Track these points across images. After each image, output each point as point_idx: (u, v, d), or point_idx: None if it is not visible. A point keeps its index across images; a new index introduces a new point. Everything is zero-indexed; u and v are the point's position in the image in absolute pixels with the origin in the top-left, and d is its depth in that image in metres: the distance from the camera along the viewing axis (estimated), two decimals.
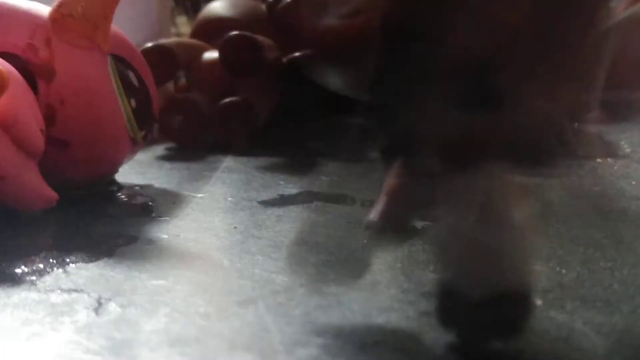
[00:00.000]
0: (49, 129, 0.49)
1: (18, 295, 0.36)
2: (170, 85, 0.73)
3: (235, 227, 0.46)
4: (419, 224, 0.45)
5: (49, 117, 0.49)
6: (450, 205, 0.35)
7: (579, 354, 0.30)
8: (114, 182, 0.56)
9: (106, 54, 0.52)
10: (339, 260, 0.40)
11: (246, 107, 0.68)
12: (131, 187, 0.56)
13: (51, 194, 0.47)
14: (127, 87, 0.53)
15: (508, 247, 0.33)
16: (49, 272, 0.39)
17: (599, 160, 0.62)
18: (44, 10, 0.51)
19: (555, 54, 0.38)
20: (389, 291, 0.36)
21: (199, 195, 0.53)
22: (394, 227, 0.43)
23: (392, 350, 0.30)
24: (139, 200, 0.53)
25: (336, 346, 0.31)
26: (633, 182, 0.55)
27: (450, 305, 0.32)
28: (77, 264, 0.40)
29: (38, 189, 0.47)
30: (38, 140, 0.47)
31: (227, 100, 0.67)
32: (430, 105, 0.35)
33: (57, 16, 0.50)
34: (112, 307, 0.35)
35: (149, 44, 0.69)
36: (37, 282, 0.38)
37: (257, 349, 0.31)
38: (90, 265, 0.40)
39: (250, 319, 0.34)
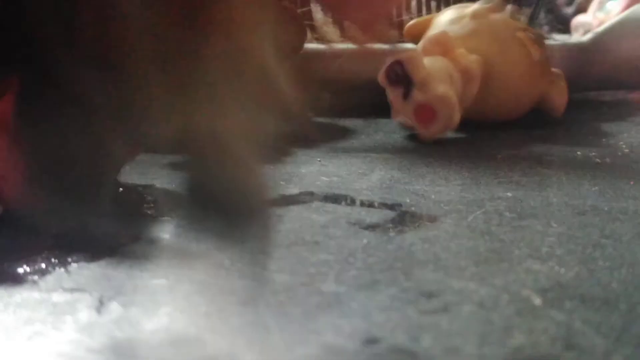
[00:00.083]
0: None
1: (20, 294, 0.36)
2: None
3: (235, 227, 0.46)
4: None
5: None
6: None
7: (578, 353, 0.30)
8: (115, 183, 0.56)
9: None
10: (339, 260, 0.40)
11: None
12: (132, 187, 0.56)
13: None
14: None
15: None
16: (50, 272, 0.39)
17: (598, 160, 0.63)
18: None
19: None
20: (389, 291, 0.36)
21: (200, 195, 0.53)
22: None
23: (392, 350, 0.31)
24: (140, 200, 0.53)
25: (336, 346, 0.31)
26: (631, 182, 0.56)
27: None
28: (79, 264, 0.40)
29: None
30: None
31: None
32: None
33: None
34: (114, 307, 0.35)
35: None
36: (39, 281, 0.38)
37: (258, 348, 0.31)
38: (92, 264, 0.40)
39: (251, 318, 0.34)
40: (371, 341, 0.31)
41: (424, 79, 0.67)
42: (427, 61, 0.68)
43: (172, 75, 0.42)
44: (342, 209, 0.50)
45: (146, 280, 0.38)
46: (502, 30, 0.74)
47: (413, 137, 0.69)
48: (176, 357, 0.30)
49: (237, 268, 0.40)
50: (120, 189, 0.55)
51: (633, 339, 0.31)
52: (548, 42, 0.83)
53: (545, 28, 1.15)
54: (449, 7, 0.81)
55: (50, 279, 0.38)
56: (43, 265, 0.40)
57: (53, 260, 0.41)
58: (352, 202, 0.51)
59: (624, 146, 0.68)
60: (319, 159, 0.64)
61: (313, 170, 0.60)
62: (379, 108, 0.71)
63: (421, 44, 0.72)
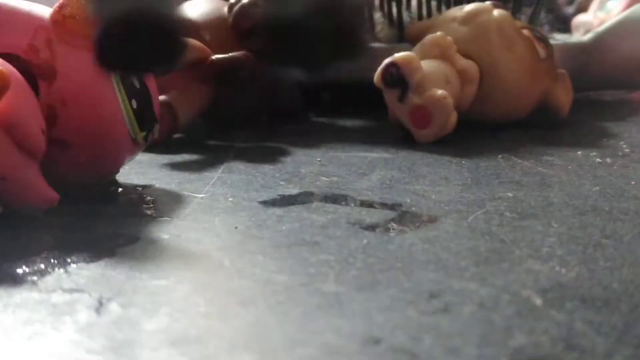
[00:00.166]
0: (50, 129, 0.49)
1: (19, 295, 0.36)
2: None
3: (236, 227, 0.46)
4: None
5: (50, 117, 0.49)
6: None
7: (579, 354, 0.30)
8: (115, 183, 0.56)
9: None
10: (339, 260, 0.40)
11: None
12: (132, 187, 0.56)
13: (52, 195, 0.48)
14: (128, 88, 0.53)
15: None
16: (50, 272, 0.39)
17: (598, 160, 0.63)
18: (45, 11, 0.51)
19: None
20: (389, 291, 0.36)
21: (200, 195, 0.53)
22: None
23: (392, 350, 0.31)
24: (140, 200, 0.53)
25: (336, 346, 0.31)
26: (632, 182, 0.56)
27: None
28: (79, 264, 0.40)
29: (39, 189, 0.47)
30: (39, 140, 0.47)
31: None
32: None
33: (59, 17, 0.50)
34: (113, 307, 0.35)
35: None
36: (39, 282, 0.38)
37: (258, 348, 0.31)
38: (92, 265, 0.40)
39: (251, 318, 0.34)
40: (371, 341, 0.31)
41: (420, 81, 0.67)
42: (424, 64, 0.68)
43: None
44: (342, 209, 0.50)
45: (146, 280, 0.38)
46: (507, 26, 0.74)
47: (412, 137, 0.69)
48: (176, 358, 0.30)
49: (237, 268, 0.40)
50: (120, 189, 0.55)
51: (634, 340, 0.31)
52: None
53: (546, 27, 1.15)
54: (450, 7, 0.81)
55: (49, 279, 0.38)
56: (42, 266, 0.40)
57: (52, 260, 0.41)
58: (352, 202, 0.51)
59: (624, 146, 0.68)
60: (319, 159, 0.64)
61: (313, 170, 0.60)
62: (380, 108, 0.71)
63: (418, 46, 0.72)
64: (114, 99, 0.52)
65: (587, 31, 1.03)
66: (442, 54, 0.70)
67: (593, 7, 1.21)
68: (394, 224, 0.46)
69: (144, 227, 0.47)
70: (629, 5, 1.05)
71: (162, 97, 0.63)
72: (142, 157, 0.61)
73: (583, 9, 1.26)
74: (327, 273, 0.39)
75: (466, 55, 0.72)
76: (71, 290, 0.37)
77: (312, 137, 0.71)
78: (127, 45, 0.47)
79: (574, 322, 0.33)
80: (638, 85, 0.94)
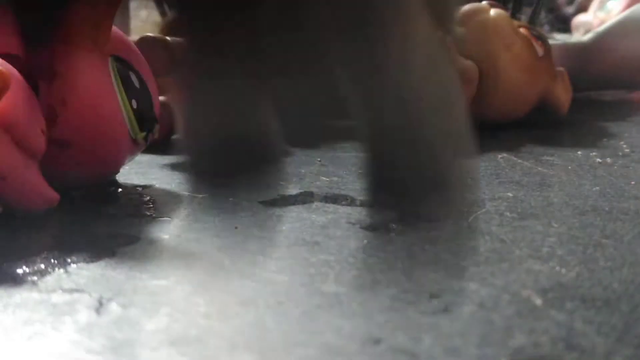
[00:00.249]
0: (50, 129, 0.49)
1: (20, 295, 0.36)
2: None
3: (236, 227, 0.46)
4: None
5: (50, 117, 0.49)
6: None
7: (579, 354, 0.30)
8: (115, 183, 0.56)
9: (107, 55, 0.52)
10: (339, 260, 0.40)
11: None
12: (132, 187, 0.56)
13: (52, 195, 0.48)
14: (128, 88, 0.53)
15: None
16: (50, 273, 0.39)
17: (598, 160, 0.63)
18: None
19: None
20: (389, 291, 0.36)
21: (200, 195, 0.53)
22: None
23: (392, 350, 0.31)
24: (140, 200, 0.53)
25: (336, 346, 0.31)
26: (632, 182, 0.56)
27: None
28: (78, 264, 0.40)
29: (39, 189, 0.47)
30: (39, 140, 0.47)
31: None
32: None
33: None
34: (113, 307, 0.35)
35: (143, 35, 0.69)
36: (39, 282, 0.38)
37: (258, 348, 0.31)
38: (92, 265, 0.40)
39: (251, 318, 0.34)
40: (371, 341, 0.31)
41: None
42: None
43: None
44: (342, 209, 0.50)
45: (146, 281, 0.38)
46: (505, 26, 0.74)
47: None
48: (176, 358, 0.30)
49: (237, 268, 0.40)
50: (120, 189, 0.55)
51: (634, 340, 0.31)
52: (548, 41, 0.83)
53: (546, 27, 1.15)
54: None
55: (49, 279, 0.38)
56: (42, 266, 0.40)
57: (52, 260, 0.41)
58: (352, 202, 0.51)
59: (624, 146, 0.68)
60: (319, 159, 0.63)
61: (313, 170, 0.60)
62: None
63: None
64: (114, 99, 0.52)
65: (587, 31, 1.03)
66: None
67: (593, 7, 1.21)
68: (393, 224, 0.46)
69: (144, 227, 0.46)
70: (629, 5, 1.05)
71: (162, 97, 0.63)
72: (142, 158, 0.61)
73: (583, 9, 1.26)
74: (327, 273, 0.39)
75: (465, 56, 0.72)
76: (71, 290, 0.37)
77: (312, 137, 0.71)
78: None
79: (574, 322, 0.33)
80: (638, 85, 0.94)
